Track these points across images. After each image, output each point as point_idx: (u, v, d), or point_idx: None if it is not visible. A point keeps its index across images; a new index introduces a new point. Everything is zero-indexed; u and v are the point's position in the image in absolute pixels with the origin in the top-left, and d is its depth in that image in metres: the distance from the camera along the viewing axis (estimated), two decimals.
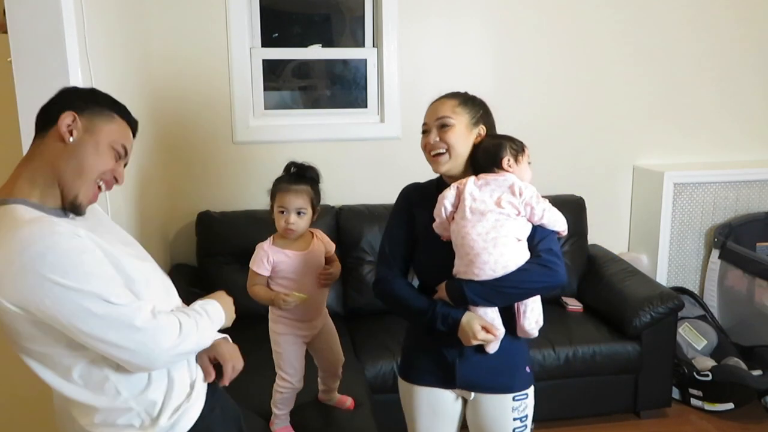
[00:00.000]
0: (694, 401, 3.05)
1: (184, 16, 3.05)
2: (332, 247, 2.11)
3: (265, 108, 3.30)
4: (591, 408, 2.96)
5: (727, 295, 3.41)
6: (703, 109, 3.59)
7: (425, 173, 3.47)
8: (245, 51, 3.15)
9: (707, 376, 2.98)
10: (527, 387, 1.75)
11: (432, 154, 1.73)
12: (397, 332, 2.90)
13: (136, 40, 2.75)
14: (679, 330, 3.17)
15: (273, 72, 3.36)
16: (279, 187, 1.98)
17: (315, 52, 3.38)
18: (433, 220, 1.72)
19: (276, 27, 3.32)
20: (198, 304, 1.39)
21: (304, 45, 3.38)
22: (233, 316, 1.47)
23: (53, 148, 1.28)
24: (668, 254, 3.46)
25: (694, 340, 3.21)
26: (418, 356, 1.80)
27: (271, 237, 2.03)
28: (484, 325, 1.64)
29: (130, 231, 2.33)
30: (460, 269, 1.65)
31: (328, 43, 3.40)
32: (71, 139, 1.27)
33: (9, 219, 1.20)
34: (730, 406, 2.98)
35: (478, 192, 1.66)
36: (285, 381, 2.06)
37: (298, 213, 1.95)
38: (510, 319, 1.69)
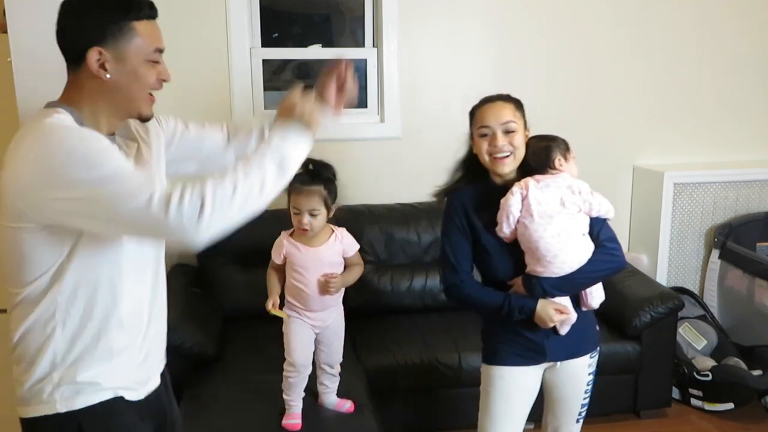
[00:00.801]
0: (694, 401, 3.05)
1: (184, 16, 3.05)
2: (353, 249, 2.16)
3: (265, 108, 3.30)
4: (591, 408, 2.94)
5: (727, 295, 3.41)
6: (703, 109, 3.59)
7: (425, 173, 3.45)
8: (245, 51, 3.15)
9: (707, 376, 2.98)
10: (599, 343, 1.98)
11: (497, 157, 1.81)
12: (398, 332, 2.92)
13: None
14: (679, 330, 3.17)
15: (273, 72, 3.36)
16: (293, 187, 2.02)
17: (315, 52, 3.38)
18: (492, 221, 1.82)
19: (276, 27, 3.32)
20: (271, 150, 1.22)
21: (304, 45, 3.38)
22: (317, 125, 1.31)
23: (92, 84, 1.26)
24: (668, 254, 3.46)
25: (694, 340, 3.21)
26: (505, 342, 1.91)
27: (293, 228, 2.10)
28: (557, 308, 1.80)
29: None
30: (536, 268, 1.78)
31: (328, 43, 3.40)
32: (107, 76, 1.24)
33: (50, 120, 1.20)
34: (730, 406, 2.98)
35: (541, 195, 1.77)
36: (288, 363, 2.12)
37: (312, 214, 2.00)
38: (575, 296, 1.87)
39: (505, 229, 1.80)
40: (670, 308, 2.86)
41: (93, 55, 1.23)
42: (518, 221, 1.78)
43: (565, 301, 1.82)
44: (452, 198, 1.95)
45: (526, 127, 1.87)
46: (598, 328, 2.00)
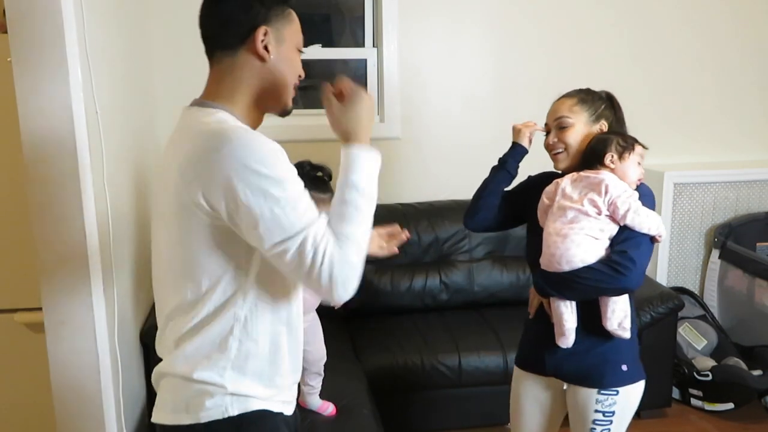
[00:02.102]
0: (694, 401, 3.05)
1: (185, 16, 3.04)
2: None
3: None
4: None
5: (727, 295, 3.41)
6: (703, 109, 3.59)
7: (425, 173, 3.46)
8: None
9: (707, 376, 2.98)
10: (619, 384, 1.73)
11: (552, 153, 1.82)
12: (398, 332, 2.91)
13: (136, 40, 2.75)
14: (679, 330, 3.17)
15: None
16: (312, 197, 1.98)
17: (315, 52, 3.37)
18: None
19: None
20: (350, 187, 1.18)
21: (304, 45, 3.37)
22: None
23: (251, 66, 1.25)
24: (668, 254, 3.46)
25: (694, 340, 3.21)
26: (524, 344, 1.94)
27: None
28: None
29: (130, 231, 2.34)
30: (540, 259, 1.75)
31: (328, 43, 3.40)
32: (271, 56, 1.25)
33: (215, 119, 1.20)
34: (730, 406, 2.98)
35: (570, 188, 1.72)
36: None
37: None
38: (594, 313, 1.72)
39: (539, 216, 1.79)
40: (670, 308, 2.85)
41: (260, 34, 1.23)
42: (548, 210, 1.76)
43: (563, 307, 1.71)
44: (535, 175, 1.97)
45: (598, 120, 1.80)
46: (626, 368, 1.74)
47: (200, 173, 1.13)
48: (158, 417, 1.30)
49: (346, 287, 1.14)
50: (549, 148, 1.82)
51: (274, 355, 1.28)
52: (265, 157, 1.12)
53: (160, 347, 1.32)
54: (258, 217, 1.11)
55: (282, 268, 1.16)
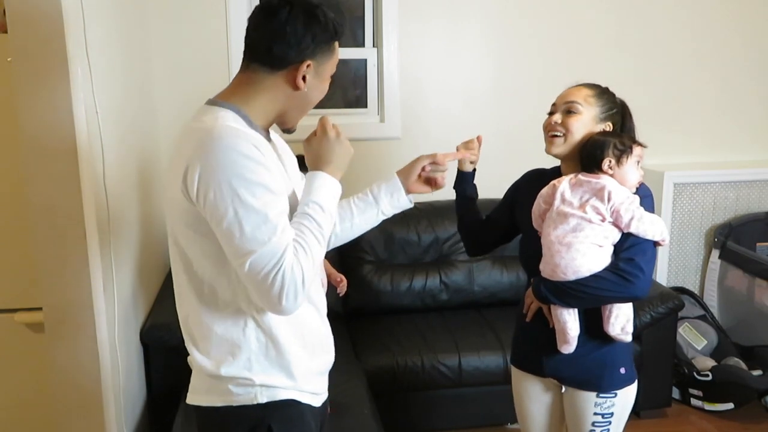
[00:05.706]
0: (694, 401, 3.05)
1: (185, 16, 3.05)
2: None
3: None
4: None
5: (727, 295, 3.41)
6: (703, 109, 3.59)
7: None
8: None
9: (707, 376, 2.98)
10: (618, 387, 1.75)
11: (549, 135, 1.74)
12: (398, 332, 2.92)
13: (136, 40, 2.75)
14: (679, 330, 3.17)
15: None
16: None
17: None
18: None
19: None
20: (310, 214, 1.24)
21: None
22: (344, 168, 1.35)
23: (283, 89, 1.29)
24: (668, 254, 3.46)
25: (694, 340, 3.21)
26: (519, 345, 1.91)
27: None
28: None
29: (130, 231, 2.34)
30: (541, 266, 1.70)
31: None
32: (305, 90, 1.29)
33: (214, 116, 1.25)
34: (730, 406, 2.98)
35: (569, 193, 1.66)
36: None
37: None
38: (596, 318, 1.70)
39: (533, 219, 1.74)
40: (670, 308, 2.86)
41: (303, 67, 1.27)
42: (545, 216, 1.70)
43: (567, 315, 1.67)
44: (522, 177, 1.94)
45: (606, 120, 1.73)
46: (624, 370, 1.76)
47: (187, 161, 1.17)
48: (192, 399, 1.35)
49: (293, 298, 1.16)
50: (548, 128, 1.73)
51: (296, 344, 1.31)
52: (246, 163, 1.15)
53: (187, 338, 1.36)
54: (223, 215, 1.14)
55: (238, 270, 1.18)
